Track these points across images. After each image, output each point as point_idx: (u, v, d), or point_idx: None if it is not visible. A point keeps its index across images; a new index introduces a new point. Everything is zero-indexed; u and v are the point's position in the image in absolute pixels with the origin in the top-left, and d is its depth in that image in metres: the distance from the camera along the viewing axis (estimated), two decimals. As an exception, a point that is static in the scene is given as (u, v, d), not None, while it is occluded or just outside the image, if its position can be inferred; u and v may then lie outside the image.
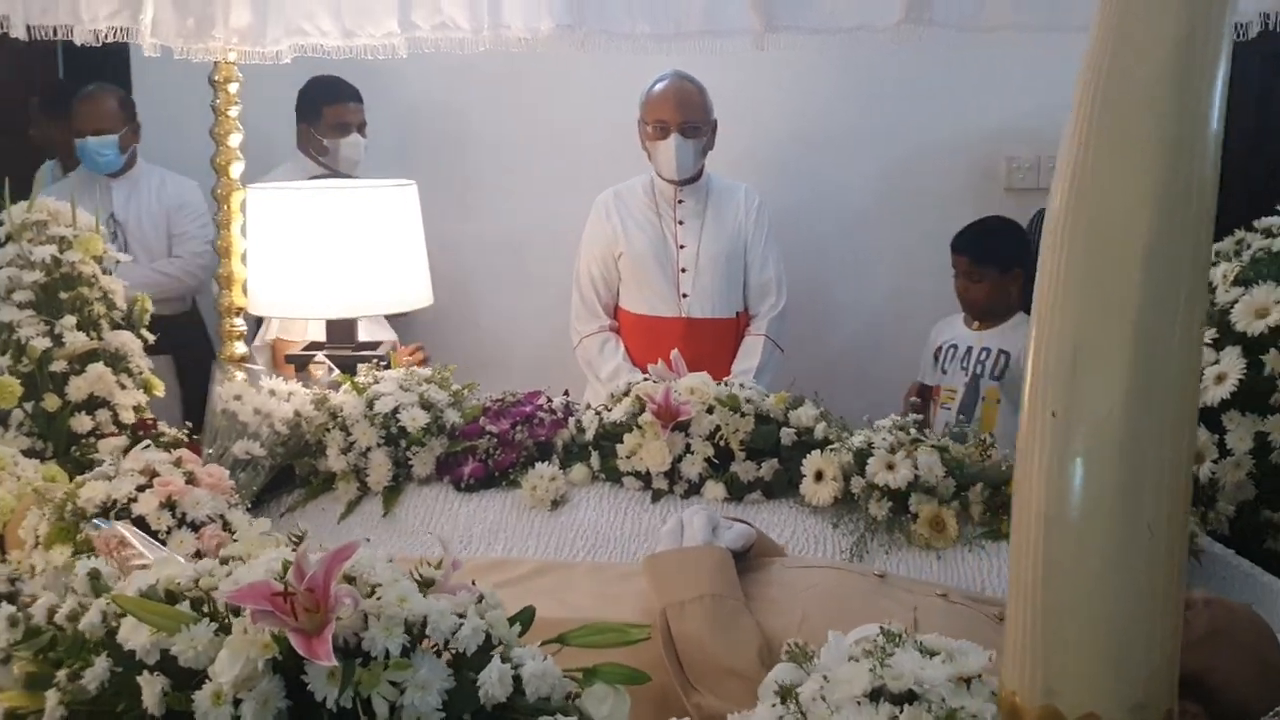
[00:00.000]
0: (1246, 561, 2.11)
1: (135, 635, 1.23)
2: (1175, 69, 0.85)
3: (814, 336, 3.88)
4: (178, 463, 2.15)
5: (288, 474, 2.56)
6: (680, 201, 3.41)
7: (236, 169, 2.90)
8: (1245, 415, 2.36)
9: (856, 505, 2.26)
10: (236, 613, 1.23)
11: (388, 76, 3.70)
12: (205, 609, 1.25)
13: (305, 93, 3.87)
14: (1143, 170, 0.83)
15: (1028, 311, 3.36)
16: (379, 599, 1.20)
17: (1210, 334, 2.45)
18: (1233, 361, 2.38)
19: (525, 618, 1.30)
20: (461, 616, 1.22)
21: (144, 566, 1.53)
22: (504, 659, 1.21)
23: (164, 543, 2.00)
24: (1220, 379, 2.39)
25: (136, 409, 2.70)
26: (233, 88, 2.88)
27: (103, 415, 2.62)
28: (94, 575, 1.37)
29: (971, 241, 3.36)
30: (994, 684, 1.18)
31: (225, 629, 1.21)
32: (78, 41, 2.56)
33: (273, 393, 2.59)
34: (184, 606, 1.26)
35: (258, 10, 2.67)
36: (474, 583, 1.32)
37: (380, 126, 3.97)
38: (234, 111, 2.88)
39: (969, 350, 3.38)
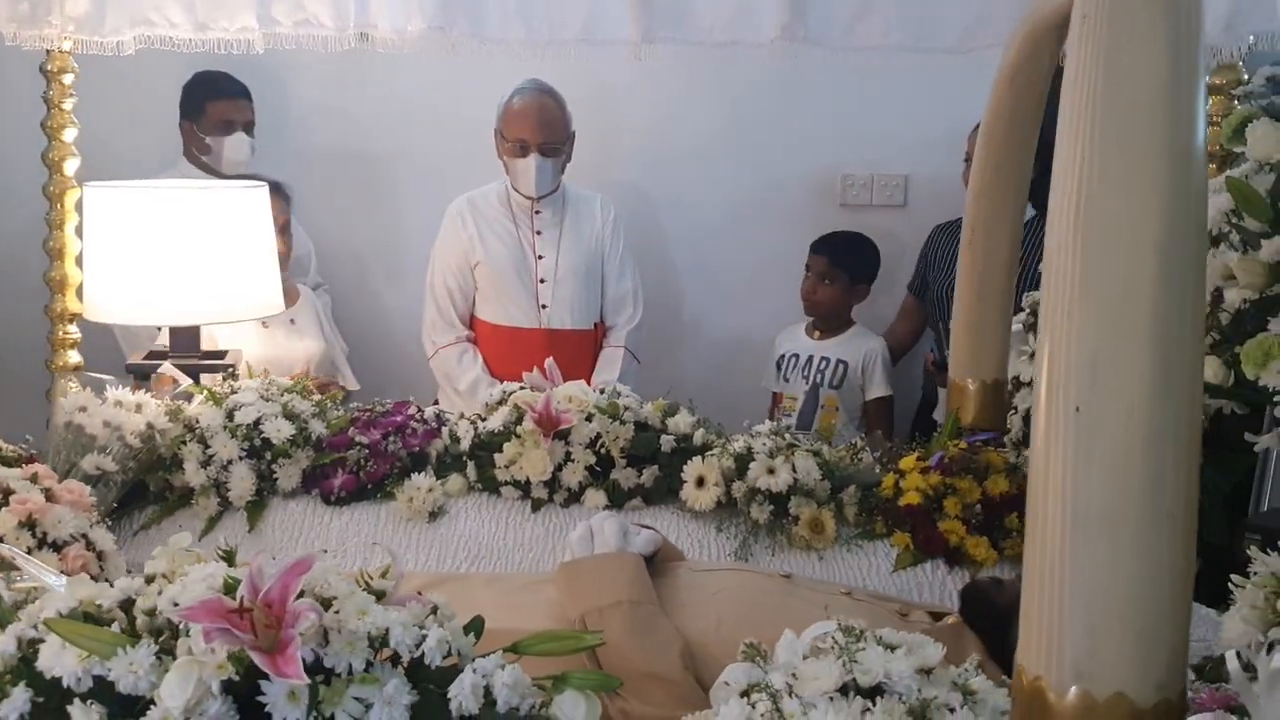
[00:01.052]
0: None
1: (60, 661, 1.14)
2: (1167, 84, 0.91)
3: (665, 346, 3.92)
4: (33, 478, 2.01)
5: (139, 489, 2.41)
6: (538, 212, 3.40)
7: (71, 165, 2.72)
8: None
9: (736, 509, 2.29)
10: (175, 633, 1.16)
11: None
12: (140, 630, 1.17)
13: (189, 88, 3.65)
14: (1150, 175, 0.88)
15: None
16: (337, 612, 1.15)
17: (1053, 342, 2.61)
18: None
19: (476, 627, 1.27)
20: (422, 628, 1.18)
21: (34, 589, 1.42)
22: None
23: (23, 565, 1.86)
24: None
25: (-37, 423, 2.50)
26: (67, 79, 2.71)
27: (-75, 430, 2.42)
28: (-5, 599, 1.26)
29: (833, 245, 3.51)
30: (952, 674, 1.22)
31: (166, 650, 1.14)
32: (-96, 24, 2.36)
33: (119, 403, 2.44)
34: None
35: (96, -4, 2.53)
36: (420, 593, 1.28)
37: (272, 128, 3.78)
38: (68, 104, 2.71)
39: (809, 359, 3.51)
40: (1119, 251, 0.87)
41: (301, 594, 1.14)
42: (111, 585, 1.28)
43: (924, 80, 3.58)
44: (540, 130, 3.28)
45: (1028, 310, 2.74)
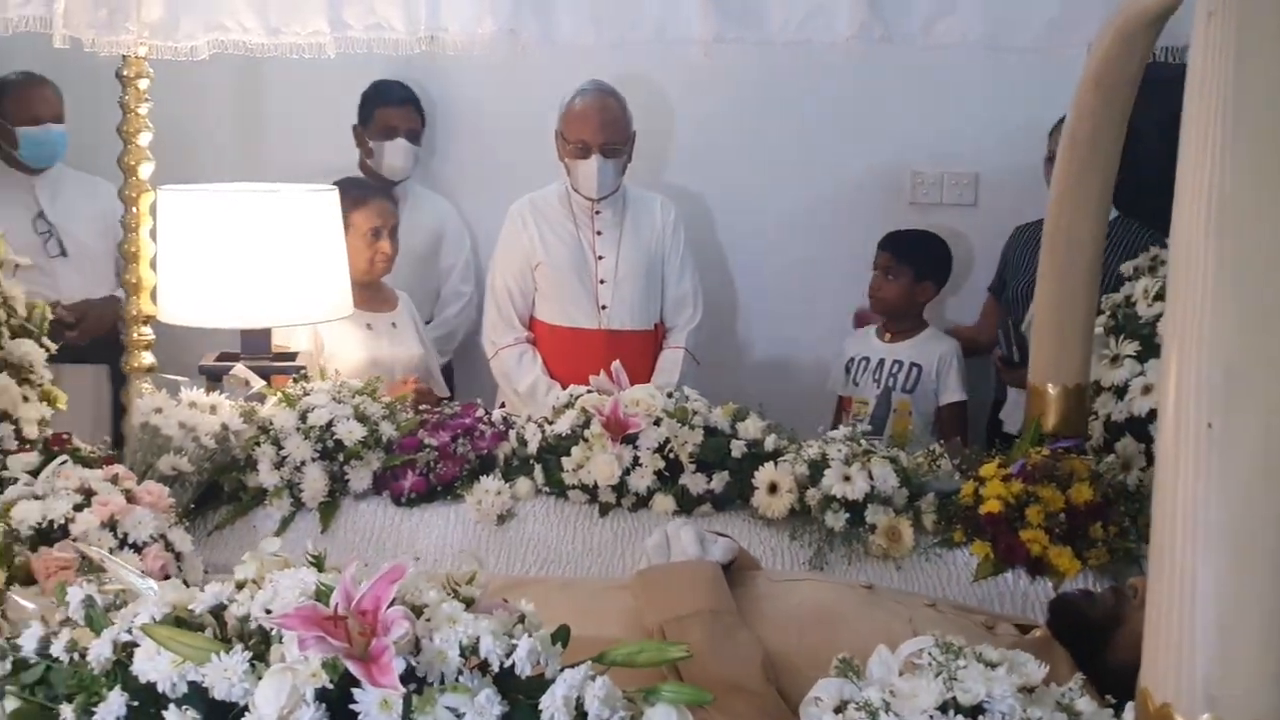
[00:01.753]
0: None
1: (155, 666, 1.14)
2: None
3: (723, 351, 3.89)
4: (114, 479, 2.02)
5: (213, 490, 2.43)
6: (598, 213, 3.38)
7: (146, 169, 2.74)
8: (1171, 425, 2.46)
9: (810, 517, 2.26)
10: (266, 640, 1.16)
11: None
12: (230, 635, 1.17)
13: (365, 95, 3.71)
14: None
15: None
16: (429, 620, 1.14)
17: (1133, 347, 2.55)
18: (1158, 373, 2.47)
19: (562, 636, 1.26)
20: (511, 637, 1.16)
21: (123, 591, 1.43)
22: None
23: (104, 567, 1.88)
24: (1147, 390, 2.49)
25: (40, 423, 2.53)
26: (143, 84, 2.73)
27: (4, 430, 2.45)
28: (89, 604, 1.27)
29: (898, 241, 3.46)
30: (1055, 694, 1.19)
31: (258, 656, 1.13)
32: (-13, 29, 2.39)
33: (193, 404, 2.45)
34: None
35: (170, 3, 2.54)
36: (505, 600, 1.27)
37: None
38: (144, 109, 2.73)
39: (881, 363, 3.45)
40: (1256, 257, 0.83)
41: (394, 602, 1.13)
42: (198, 588, 1.28)
43: (996, 73, 3.52)
44: (602, 131, 3.26)
45: (1108, 313, 2.69)
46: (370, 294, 3.28)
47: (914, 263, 3.43)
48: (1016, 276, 3.59)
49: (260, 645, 1.14)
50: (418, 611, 1.15)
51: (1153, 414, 2.47)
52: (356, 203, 3.20)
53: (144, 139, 2.74)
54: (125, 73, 2.72)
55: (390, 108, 3.68)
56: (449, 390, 3.51)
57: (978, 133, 3.78)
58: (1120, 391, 2.55)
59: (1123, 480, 2.42)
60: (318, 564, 1.27)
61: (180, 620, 1.21)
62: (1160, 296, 2.58)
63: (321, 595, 1.17)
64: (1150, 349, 2.53)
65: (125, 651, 1.18)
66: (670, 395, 2.48)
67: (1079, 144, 2.18)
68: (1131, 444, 2.49)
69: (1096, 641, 1.66)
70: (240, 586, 1.24)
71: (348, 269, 2.93)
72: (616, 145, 3.28)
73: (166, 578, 1.96)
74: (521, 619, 1.21)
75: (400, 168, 3.66)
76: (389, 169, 3.66)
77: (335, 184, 3.32)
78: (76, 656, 1.21)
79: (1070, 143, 2.21)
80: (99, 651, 1.17)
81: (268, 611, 1.16)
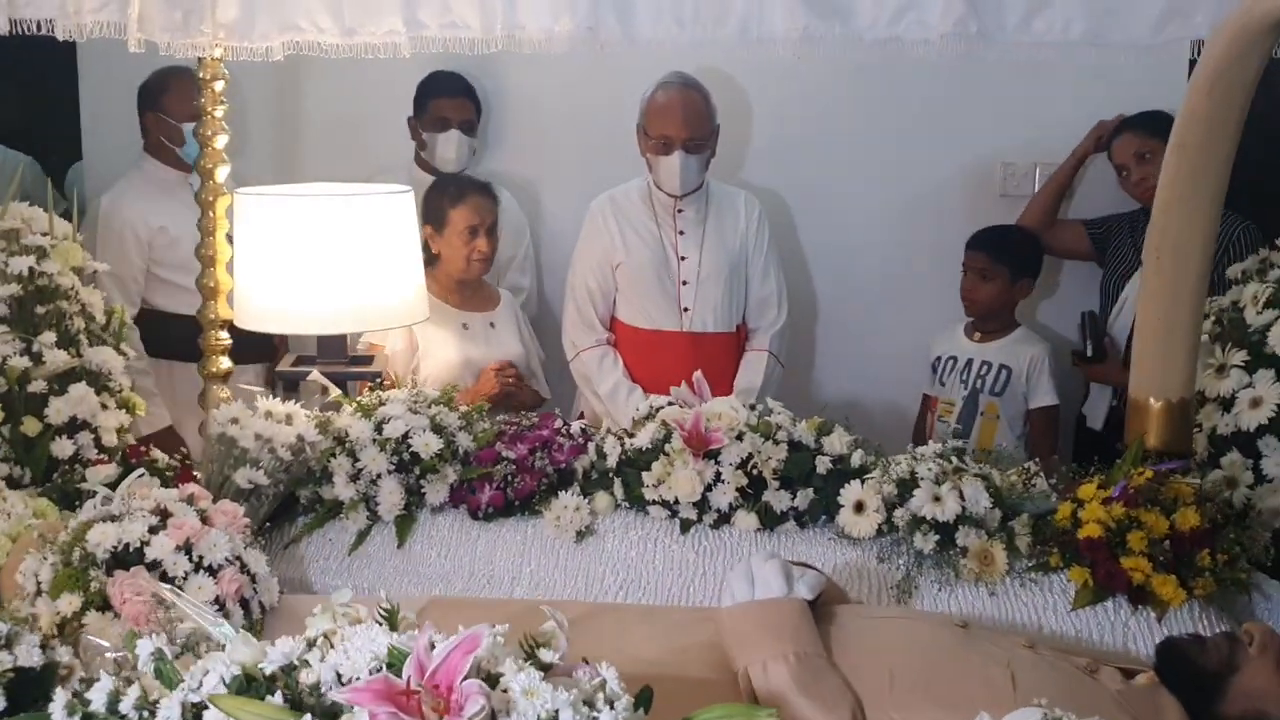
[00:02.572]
0: (1304, 598, 2.08)
1: (225, 733, 1.10)
2: None
3: (807, 343, 3.79)
4: (189, 499, 2.01)
5: (289, 501, 2.41)
6: (680, 211, 3.29)
7: (222, 172, 2.72)
8: (1282, 441, 2.33)
9: (897, 536, 2.18)
10: (335, 713, 1.11)
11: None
12: (303, 700, 1.13)
13: (420, 86, 3.64)
14: None
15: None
16: (505, 691, 1.08)
17: (1241, 356, 2.42)
18: (1268, 387, 2.35)
19: (645, 700, 1.20)
20: (590, 706, 1.11)
21: (195, 633, 1.40)
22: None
23: (181, 588, 1.86)
24: (1256, 404, 2.36)
25: (119, 431, 2.54)
26: (219, 86, 2.70)
27: (84, 438, 2.46)
28: (159, 657, 1.23)
29: (992, 240, 3.33)
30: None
31: (329, 725, 1.09)
32: (60, 36, 2.38)
33: (269, 414, 2.43)
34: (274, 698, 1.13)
35: (245, 3, 2.51)
36: (587, 661, 1.21)
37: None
38: (219, 112, 2.71)
39: (969, 363, 3.34)
40: None
41: (469, 674, 1.08)
42: (269, 643, 1.24)
43: (1090, 58, 3.36)
44: (685, 126, 3.16)
45: (1213, 318, 2.56)
46: (469, 293, 3.24)
47: (1010, 261, 3.29)
48: (1111, 265, 3.45)
49: (331, 716, 1.10)
50: (494, 681, 1.10)
51: (1261, 429, 2.35)
52: (454, 200, 3.15)
53: (220, 142, 2.72)
54: (201, 75, 2.70)
55: (444, 99, 3.60)
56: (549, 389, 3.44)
57: (1071, 120, 3.61)
58: (1226, 403, 2.43)
59: (1228, 497, 2.31)
60: (390, 619, 1.22)
61: (250, 678, 1.17)
62: (1271, 303, 2.45)
63: (394, 660, 1.12)
64: (1260, 359, 2.40)
65: (194, 712, 1.15)
66: (753, 408, 2.40)
67: (1189, 150, 2.06)
68: (1238, 460, 2.37)
69: (1209, 691, 1.57)
70: (311, 645, 1.20)
71: (430, 270, 2.89)
72: (700, 140, 3.18)
73: (243, 601, 1.95)
74: (603, 685, 1.15)
75: (453, 159, 3.57)
76: (442, 160, 3.58)
77: (435, 181, 3.31)
78: (146, 715, 1.18)
79: (1179, 148, 2.09)
80: (168, 714, 1.14)
81: (339, 677, 1.11)
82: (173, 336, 3.28)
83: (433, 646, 1.14)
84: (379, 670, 1.12)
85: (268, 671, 1.16)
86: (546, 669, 1.16)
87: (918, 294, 3.72)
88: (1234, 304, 2.57)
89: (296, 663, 1.17)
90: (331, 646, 1.20)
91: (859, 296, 3.83)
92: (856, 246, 3.80)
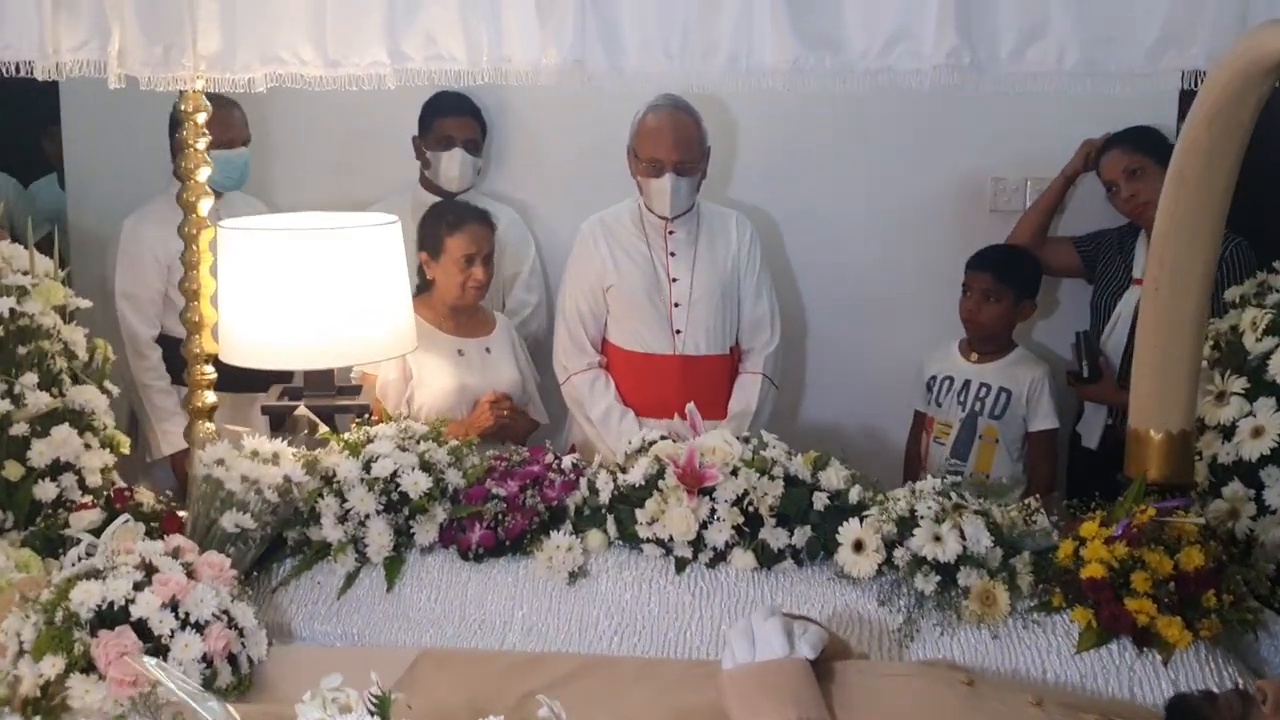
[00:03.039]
0: (1312, 636, 2.05)
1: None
2: None
3: (797, 360, 3.75)
4: (175, 552, 1.96)
5: (276, 543, 2.37)
6: (671, 232, 3.25)
7: (205, 205, 2.68)
8: (1285, 471, 2.30)
9: (897, 575, 2.14)
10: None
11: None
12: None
13: (425, 105, 3.60)
14: None
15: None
16: (502, 793, 1.05)
17: (1240, 384, 2.39)
18: (1270, 416, 2.32)
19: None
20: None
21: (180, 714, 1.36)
22: None
23: (167, 648, 1.82)
24: (1258, 433, 2.33)
25: (103, 471, 2.50)
26: (200, 118, 2.66)
27: (68, 480, 2.42)
28: (144, 749, 1.19)
29: (997, 261, 3.28)
30: None
31: (320, 830, 1.05)
32: (40, 77, 2.33)
33: (256, 454, 2.39)
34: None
35: (227, 36, 2.47)
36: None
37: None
38: (201, 144, 2.67)
39: (966, 384, 3.30)
40: None
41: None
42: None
43: (1085, 86, 3.34)
44: (676, 149, 3.12)
45: (1211, 342, 2.53)
46: (464, 319, 3.20)
47: (1015, 283, 3.25)
48: (1100, 284, 3.42)
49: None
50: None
51: (1263, 459, 2.32)
52: (452, 228, 3.12)
53: (203, 175, 2.68)
54: (183, 107, 2.65)
55: (449, 118, 3.57)
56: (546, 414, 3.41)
57: (1061, 135, 3.58)
58: (1227, 431, 2.40)
59: (1231, 529, 2.28)
60: (382, 710, 1.18)
61: (238, 772, 1.13)
62: (1271, 330, 2.42)
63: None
64: (1260, 386, 2.38)
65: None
66: (747, 441, 2.37)
67: (1188, 182, 2.03)
68: (1240, 490, 2.34)
69: (1221, 751, 1.54)
70: (301, 735, 1.16)
71: (422, 298, 2.85)
72: (690, 163, 3.15)
73: (230, 657, 1.91)
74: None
75: (457, 178, 3.55)
76: (446, 179, 3.55)
77: (432, 207, 3.27)
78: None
79: (1178, 180, 2.06)
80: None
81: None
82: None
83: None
84: (371, 768, 1.08)
85: (256, 767, 1.12)
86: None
87: (908, 311, 3.69)
88: (1233, 328, 2.54)
89: (286, 757, 1.13)
90: (321, 738, 1.16)
91: (849, 314, 3.79)
92: (846, 263, 3.76)
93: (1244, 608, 2.00)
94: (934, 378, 3.37)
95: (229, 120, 3.50)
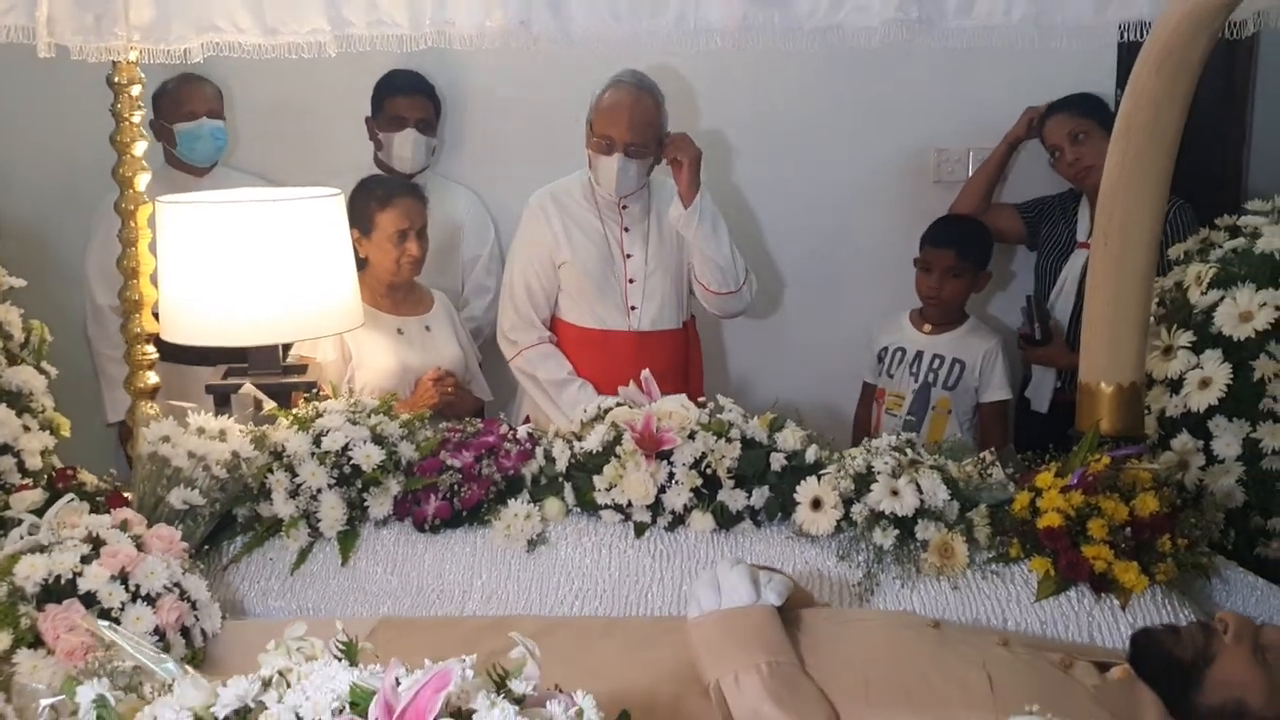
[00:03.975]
0: (1262, 580, 2.08)
1: (175, 786, 1.02)
2: None
3: (745, 333, 3.75)
4: (123, 525, 1.91)
5: (227, 519, 2.31)
6: (625, 208, 3.21)
7: (143, 180, 2.61)
8: (1232, 421, 2.34)
9: (856, 532, 2.14)
10: (298, 751, 1.04)
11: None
12: (259, 749, 1.05)
13: (377, 85, 3.55)
14: None
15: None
16: (478, 728, 1.02)
17: (1187, 337, 2.43)
18: (1216, 367, 2.36)
19: (624, 724, 1.14)
20: (570, 740, 1.05)
21: (138, 670, 1.31)
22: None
23: (118, 620, 1.77)
24: (1205, 384, 2.36)
25: (44, 453, 2.43)
26: (135, 90, 2.59)
27: (6, 463, 2.35)
28: (101, 704, 1.15)
29: (958, 237, 3.27)
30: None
31: (290, 775, 1.02)
32: (-36, 45, 2.25)
33: (202, 431, 2.33)
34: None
35: (160, 5, 2.41)
36: (561, 689, 1.15)
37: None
38: (137, 117, 2.60)
39: (919, 355, 3.28)
40: None
41: (440, 714, 1.01)
42: (220, 683, 1.16)
43: (1024, 43, 3.36)
44: (630, 130, 3.06)
45: (1156, 299, 2.56)
46: (401, 296, 3.16)
47: (976, 257, 3.24)
48: (1045, 249, 3.45)
49: (292, 761, 1.03)
50: (466, 718, 1.04)
51: (1211, 410, 2.35)
52: (382, 203, 3.06)
53: (139, 148, 2.61)
54: (116, 79, 2.58)
55: (400, 97, 3.51)
56: (489, 391, 3.38)
57: (1002, 104, 3.61)
58: (1174, 385, 2.43)
59: (1180, 480, 2.31)
60: (349, 654, 1.15)
61: (202, 724, 1.10)
62: (1216, 283, 2.45)
63: (358, 699, 1.05)
64: (1206, 339, 2.41)
65: (142, 764, 1.07)
66: (703, 405, 2.35)
67: (1137, 131, 2.05)
68: (1189, 441, 2.37)
69: (1185, 682, 1.55)
70: (266, 685, 1.12)
71: (359, 276, 2.81)
72: (642, 146, 3.09)
73: (184, 630, 1.86)
74: (580, 715, 1.09)
75: (410, 159, 3.50)
76: (399, 160, 3.50)
77: (360, 182, 3.20)
78: (89, 769, 1.10)
79: (1126, 129, 2.08)
80: (114, 769, 1.06)
81: (298, 719, 1.04)
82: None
83: (398, 683, 1.07)
84: (341, 711, 1.05)
85: (220, 716, 1.09)
86: (520, 702, 1.09)
87: (856, 284, 3.71)
88: (1177, 285, 2.58)
89: (252, 704, 1.10)
90: (288, 685, 1.13)
91: (795, 286, 3.80)
92: (791, 237, 3.77)
93: (1198, 551, 2.02)
94: (885, 349, 3.37)
95: (196, 94, 3.47)
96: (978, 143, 3.65)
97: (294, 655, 1.17)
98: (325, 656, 1.17)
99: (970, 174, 3.65)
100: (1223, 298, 2.40)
